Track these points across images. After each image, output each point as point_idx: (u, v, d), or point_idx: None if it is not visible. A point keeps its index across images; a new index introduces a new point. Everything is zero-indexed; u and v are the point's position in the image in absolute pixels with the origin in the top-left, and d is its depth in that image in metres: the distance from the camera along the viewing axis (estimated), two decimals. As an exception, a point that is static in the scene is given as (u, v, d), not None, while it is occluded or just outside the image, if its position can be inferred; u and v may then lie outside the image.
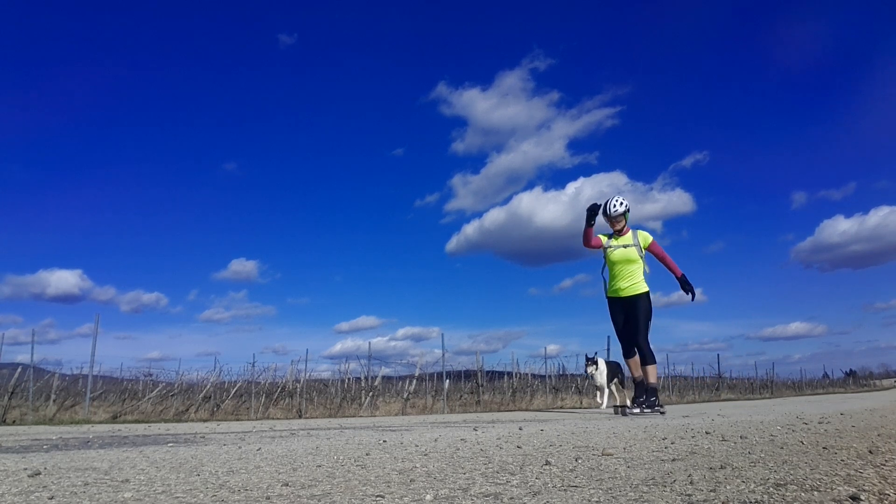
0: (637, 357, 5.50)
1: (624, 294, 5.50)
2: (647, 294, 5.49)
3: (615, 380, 9.46)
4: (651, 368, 5.45)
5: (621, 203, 5.66)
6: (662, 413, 5.35)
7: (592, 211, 5.34)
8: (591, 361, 9.15)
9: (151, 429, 3.58)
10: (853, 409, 4.58)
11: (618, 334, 5.66)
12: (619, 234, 5.54)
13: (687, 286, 5.47)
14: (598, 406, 9.09)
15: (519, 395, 11.59)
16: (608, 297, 5.64)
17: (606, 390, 9.06)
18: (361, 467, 1.28)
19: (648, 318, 5.47)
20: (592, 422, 3.39)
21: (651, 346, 5.49)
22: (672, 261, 5.59)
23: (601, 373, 9.04)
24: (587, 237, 5.46)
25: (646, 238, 5.57)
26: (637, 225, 5.73)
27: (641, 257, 5.49)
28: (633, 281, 5.49)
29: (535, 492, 0.98)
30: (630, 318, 5.46)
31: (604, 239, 5.56)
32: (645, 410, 5.32)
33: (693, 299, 5.57)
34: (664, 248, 5.61)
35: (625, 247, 5.51)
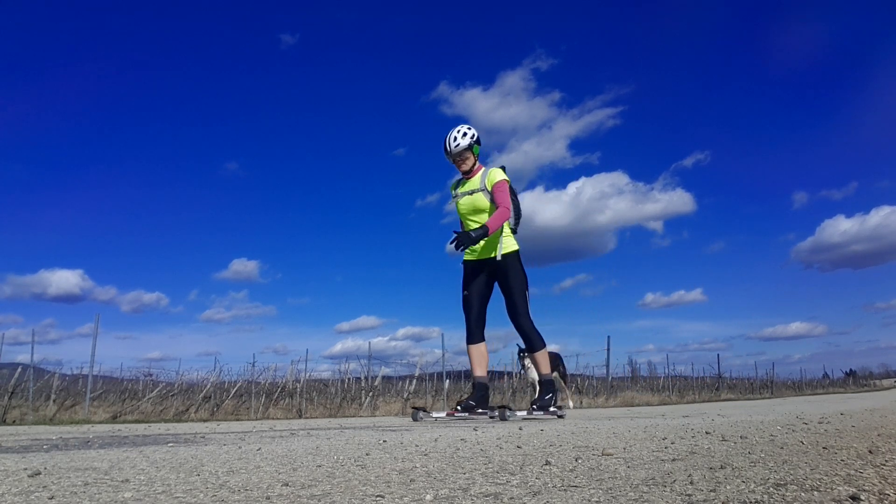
0: (483, 346, 4.11)
1: (483, 256, 4.04)
2: (516, 255, 4.01)
3: (555, 374, 8.13)
4: (541, 356, 4.02)
5: (464, 133, 4.01)
6: (561, 416, 4.02)
7: (463, 241, 3.79)
8: (525, 354, 7.55)
9: (151, 429, 3.58)
10: (853, 409, 4.58)
11: (465, 309, 4.11)
12: (467, 177, 4.11)
13: (465, 238, 3.73)
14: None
15: (519, 395, 11.59)
16: (463, 262, 4.18)
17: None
18: (361, 467, 1.28)
19: (525, 288, 4.00)
20: (592, 422, 3.39)
21: (535, 326, 4.01)
22: (499, 214, 3.87)
23: None
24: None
25: (493, 176, 4.00)
26: (497, 165, 4.18)
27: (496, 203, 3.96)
28: (494, 238, 3.97)
29: (535, 492, 0.98)
30: (502, 291, 4.05)
31: (452, 192, 4.25)
32: (535, 412, 3.95)
33: (455, 247, 3.76)
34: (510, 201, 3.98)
35: (471, 193, 4.04)
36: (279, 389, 9.98)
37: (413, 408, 4.17)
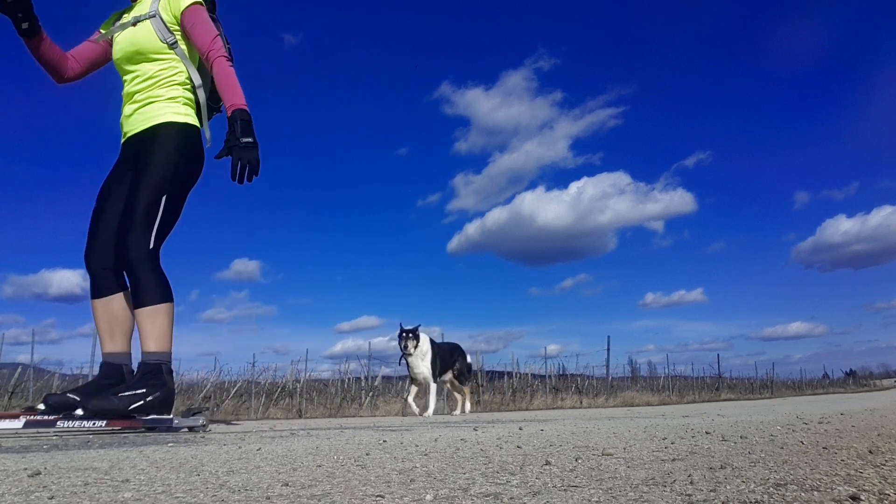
0: (117, 300, 2.42)
1: (130, 131, 2.46)
2: (177, 129, 2.39)
3: (451, 372, 6.40)
4: (150, 316, 2.30)
5: None
6: (195, 428, 2.44)
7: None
8: (410, 335, 5.76)
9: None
10: (853, 409, 4.58)
11: (91, 226, 2.46)
12: (134, 1, 2.56)
13: (233, 141, 2.26)
14: (417, 413, 5.96)
15: (519, 395, 11.59)
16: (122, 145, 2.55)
17: (433, 385, 5.95)
18: (361, 467, 1.28)
19: (164, 188, 2.32)
20: (592, 422, 3.39)
21: (156, 263, 2.34)
22: (226, 66, 2.35)
23: (423, 355, 5.83)
24: (44, 59, 2.43)
25: (176, 2, 2.43)
26: None
27: (171, 44, 2.42)
28: (151, 98, 2.42)
29: (535, 492, 0.98)
30: (131, 184, 2.37)
31: (102, 31, 2.60)
32: (74, 421, 2.25)
33: (237, 180, 2.25)
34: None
35: (134, 23, 2.45)
36: (279, 389, 9.99)
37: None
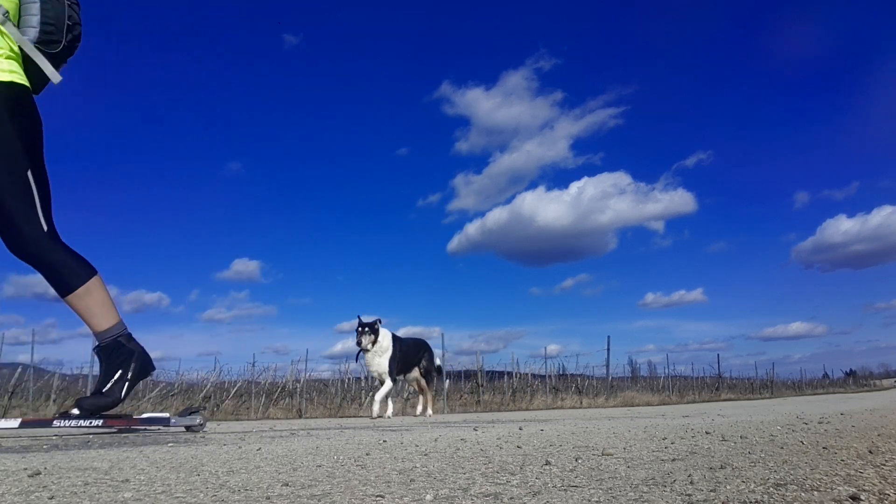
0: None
1: None
2: (2, 93, 2.06)
3: (417, 369, 5.94)
4: (83, 295, 2.19)
5: None
6: (192, 428, 2.53)
7: None
8: (367, 330, 5.33)
9: (151, 428, 3.57)
10: (853, 409, 4.58)
11: None
12: None
13: None
14: (375, 414, 5.39)
15: (519, 395, 11.60)
16: None
17: (389, 383, 5.42)
18: (361, 467, 1.28)
19: (23, 163, 2.08)
20: (592, 422, 3.39)
21: (59, 242, 2.18)
22: None
23: (382, 351, 5.40)
24: None
25: None
26: None
27: None
28: None
29: (535, 492, 0.98)
30: None
31: None
32: (62, 416, 2.27)
33: None
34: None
35: None
36: (279, 389, 10.00)
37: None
